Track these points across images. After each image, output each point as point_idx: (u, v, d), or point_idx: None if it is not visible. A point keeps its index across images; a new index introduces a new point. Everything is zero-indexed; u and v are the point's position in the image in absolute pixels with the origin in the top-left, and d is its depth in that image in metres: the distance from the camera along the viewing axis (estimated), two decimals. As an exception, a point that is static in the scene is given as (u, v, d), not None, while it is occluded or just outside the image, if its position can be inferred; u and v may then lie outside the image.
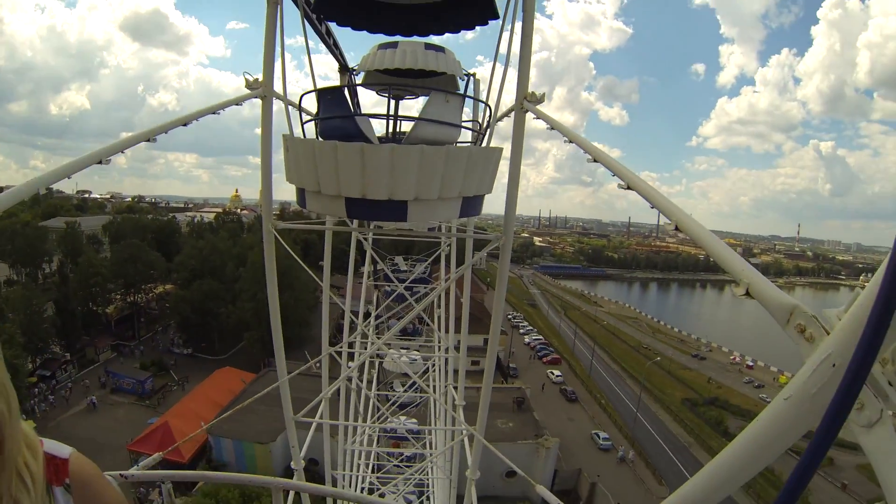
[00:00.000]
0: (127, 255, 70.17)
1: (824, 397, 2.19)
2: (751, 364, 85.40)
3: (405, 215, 6.69)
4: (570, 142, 6.05)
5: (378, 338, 18.44)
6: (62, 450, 1.37)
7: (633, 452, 51.63)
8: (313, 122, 7.38)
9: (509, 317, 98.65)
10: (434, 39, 8.95)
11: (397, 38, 8.75)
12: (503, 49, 7.92)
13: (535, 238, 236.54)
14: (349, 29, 8.87)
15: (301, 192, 7.29)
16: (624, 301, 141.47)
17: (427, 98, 7.30)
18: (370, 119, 7.52)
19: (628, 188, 4.44)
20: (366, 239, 18.61)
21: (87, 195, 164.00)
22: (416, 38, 8.75)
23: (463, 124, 7.60)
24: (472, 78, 8.83)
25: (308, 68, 8.74)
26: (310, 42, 8.40)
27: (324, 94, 7.31)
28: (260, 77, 7.59)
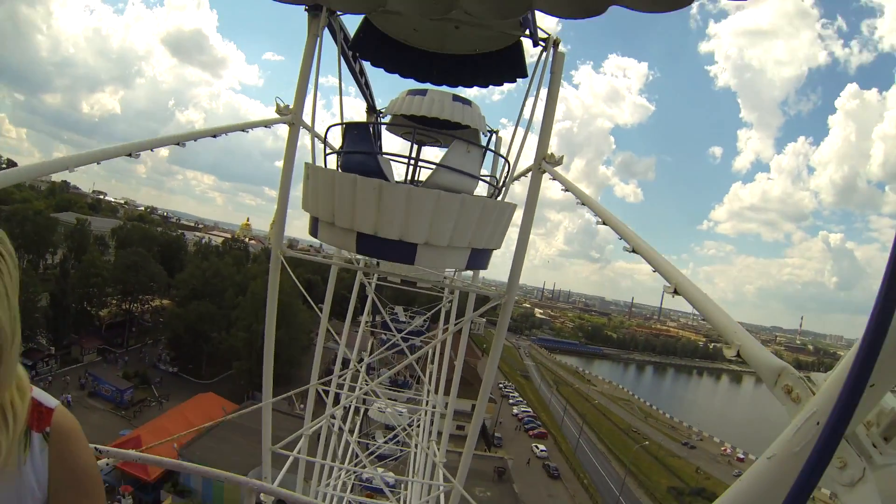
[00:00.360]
0: (130, 263, 70.32)
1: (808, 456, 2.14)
2: (742, 457, 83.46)
3: (413, 258, 6.75)
4: (582, 204, 6.17)
5: (367, 384, 18.23)
6: (50, 400, 1.36)
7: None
8: (336, 156, 7.56)
9: (500, 385, 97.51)
10: (463, 92, 9.21)
11: (427, 85, 9.00)
12: (527, 111, 8.14)
13: (536, 309, 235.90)
14: (382, 71, 9.17)
15: (314, 222, 7.39)
16: (618, 382, 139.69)
17: (448, 148, 7.48)
18: (391, 161, 7.69)
19: (633, 251, 4.56)
20: (369, 283, 18.60)
21: (101, 196, 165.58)
22: (445, 88, 9.00)
23: (481, 177, 7.71)
24: (494, 135, 9.03)
25: (337, 107, 9.01)
26: (343, 80, 8.70)
27: (350, 129, 7.51)
28: (291, 105, 7.84)
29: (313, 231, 7.49)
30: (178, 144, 6.14)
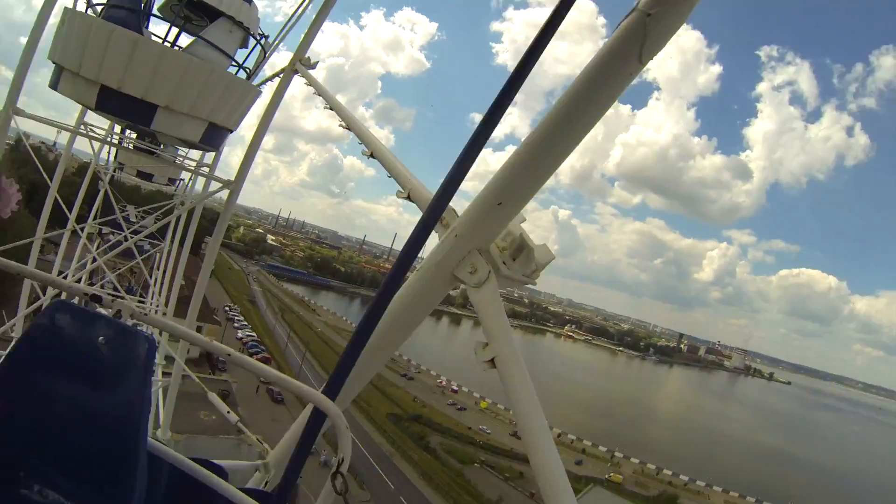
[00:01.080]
0: None
1: (448, 265, 2.86)
2: (455, 388, 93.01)
3: (151, 119, 6.85)
4: (330, 108, 6.83)
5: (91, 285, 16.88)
6: None
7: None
8: (101, 7, 7.11)
9: (226, 308, 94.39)
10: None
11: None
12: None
13: (269, 236, 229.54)
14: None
15: (58, 73, 7.01)
16: (343, 314, 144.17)
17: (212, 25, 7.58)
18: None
19: (371, 156, 5.14)
20: (104, 174, 17.04)
21: None
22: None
23: (234, 59, 7.96)
24: (264, 38, 9.16)
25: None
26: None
27: None
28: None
29: (55, 82, 7.10)
30: None
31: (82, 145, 14.44)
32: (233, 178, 8.80)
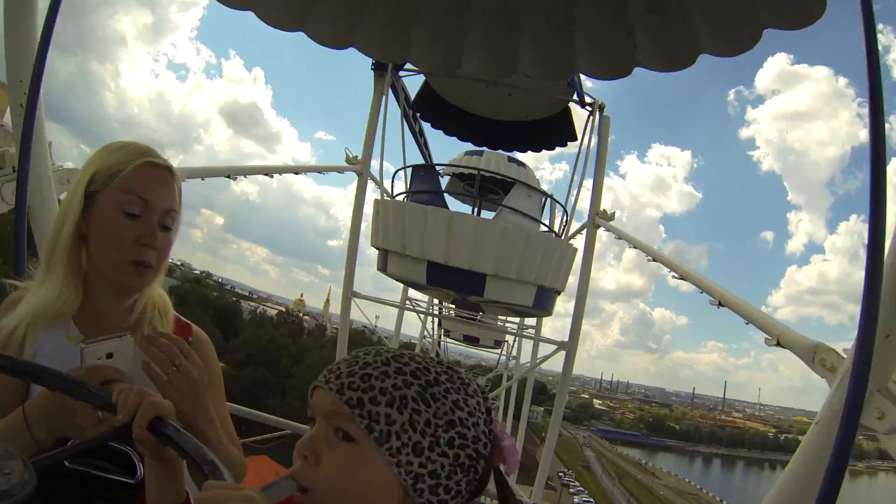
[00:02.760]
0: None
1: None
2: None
3: (483, 289, 7.01)
4: (653, 260, 6.30)
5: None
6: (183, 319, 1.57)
7: None
8: (404, 196, 8.05)
9: (560, 474, 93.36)
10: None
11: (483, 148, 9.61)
12: (569, 172, 8.57)
13: (595, 400, 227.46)
14: (441, 133, 9.80)
15: (384, 257, 7.79)
16: (684, 476, 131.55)
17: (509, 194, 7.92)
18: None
19: (720, 305, 4.51)
20: (431, 341, 18.60)
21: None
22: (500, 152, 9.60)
23: (541, 221, 8.08)
24: (550, 198, 9.33)
25: (393, 161, 9.62)
26: (404, 138, 9.41)
27: (417, 171, 8.11)
28: (359, 156, 8.52)
29: (382, 266, 7.86)
30: (267, 175, 6.80)
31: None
32: (566, 340, 8.43)
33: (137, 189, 1.30)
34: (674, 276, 5.66)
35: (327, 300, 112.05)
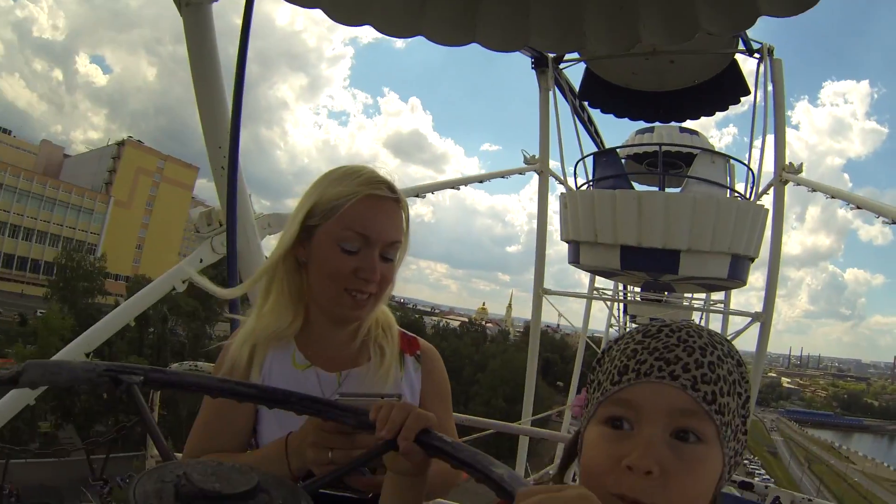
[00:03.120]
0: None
1: None
2: None
3: (677, 266, 7.04)
4: (856, 207, 6.01)
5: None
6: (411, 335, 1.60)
7: None
8: (587, 186, 8.23)
9: (745, 461, 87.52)
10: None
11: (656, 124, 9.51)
12: (750, 125, 8.16)
13: (783, 378, 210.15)
14: (612, 117, 9.84)
15: (574, 250, 8.02)
16: (883, 459, 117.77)
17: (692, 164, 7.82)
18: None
19: None
20: (622, 326, 18.64)
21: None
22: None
23: (728, 186, 7.87)
24: (735, 160, 9.04)
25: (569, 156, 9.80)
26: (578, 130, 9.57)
27: (599, 157, 8.26)
28: (537, 155, 8.82)
29: (573, 258, 8.09)
30: (454, 188, 7.33)
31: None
32: (760, 310, 8.08)
33: (357, 226, 1.28)
34: (884, 222, 5.40)
35: (510, 305, 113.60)
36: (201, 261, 3.55)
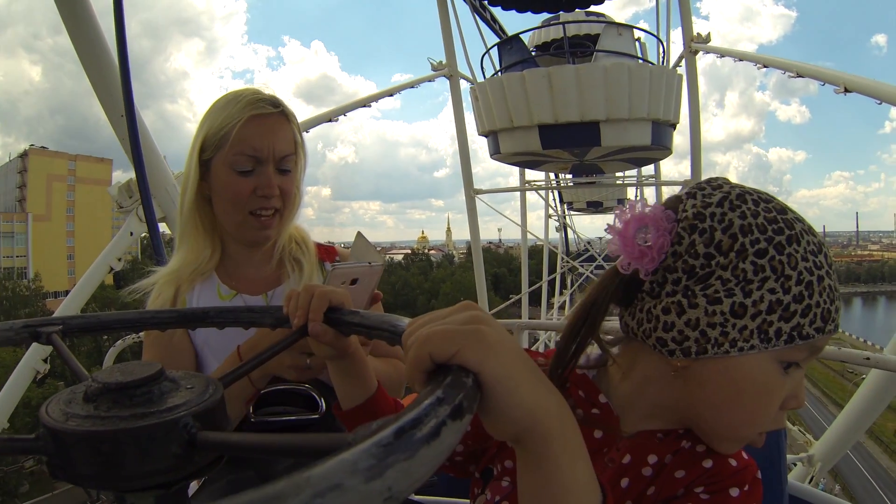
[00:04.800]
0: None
1: None
2: None
3: (598, 138, 6.95)
4: (763, 66, 6.11)
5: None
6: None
7: (837, 486, 45.17)
8: (493, 74, 7.98)
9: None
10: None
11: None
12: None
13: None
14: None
15: (494, 141, 7.86)
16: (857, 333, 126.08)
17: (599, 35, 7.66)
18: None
19: (846, 91, 4.36)
20: (555, 214, 18.81)
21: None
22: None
23: (638, 56, 7.80)
24: (640, 31, 8.95)
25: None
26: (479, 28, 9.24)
27: (504, 45, 7.99)
28: (444, 60, 8.51)
29: (494, 150, 7.93)
30: (366, 105, 7.01)
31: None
32: (688, 178, 8.23)
33: (247, 148, 1.28)
34: (790, 76, 5.43)
35: (448, 229, 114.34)
36: (132, 234, 3.46)
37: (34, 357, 3.19)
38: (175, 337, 1.32)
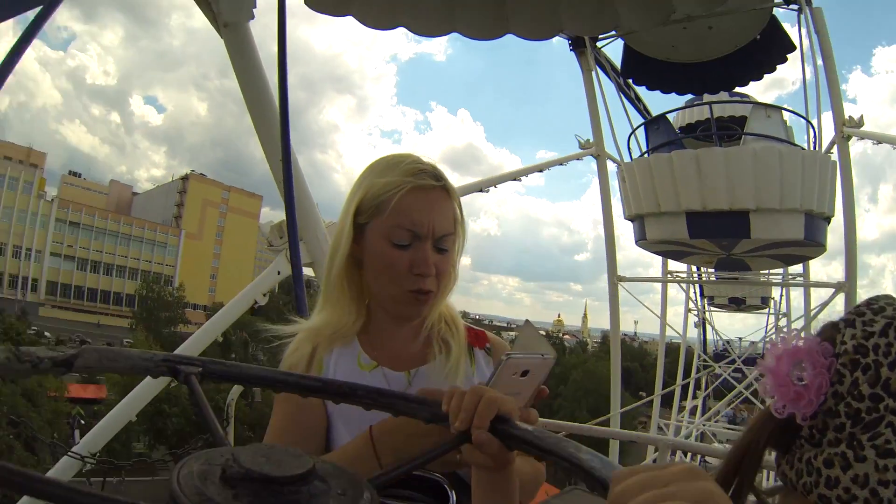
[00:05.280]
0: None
1: None
2: None
3: (748, 229, 6.76)
4: None
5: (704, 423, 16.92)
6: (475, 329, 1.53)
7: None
8: (640, 155, 8.01)
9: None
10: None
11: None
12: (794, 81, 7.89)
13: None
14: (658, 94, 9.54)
15: (640, 227, 7.79)
16: None
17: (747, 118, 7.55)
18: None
19: None
20: (696, 310, 17.92)
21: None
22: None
23: (787, 140, 7.45)
24: (790, 112, 8.72)
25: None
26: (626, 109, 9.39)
27: (651, 125, 8.04)
28: (591, 139, 8.74)
29: (640, 236, 7.85)
30: (515, 179, 7.38)
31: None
32: (842, 280, 7.68)
33: (405, 221, 1.23)
34: None
35: (585, 315, 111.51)
36: (279, 273, 3.53)
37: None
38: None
